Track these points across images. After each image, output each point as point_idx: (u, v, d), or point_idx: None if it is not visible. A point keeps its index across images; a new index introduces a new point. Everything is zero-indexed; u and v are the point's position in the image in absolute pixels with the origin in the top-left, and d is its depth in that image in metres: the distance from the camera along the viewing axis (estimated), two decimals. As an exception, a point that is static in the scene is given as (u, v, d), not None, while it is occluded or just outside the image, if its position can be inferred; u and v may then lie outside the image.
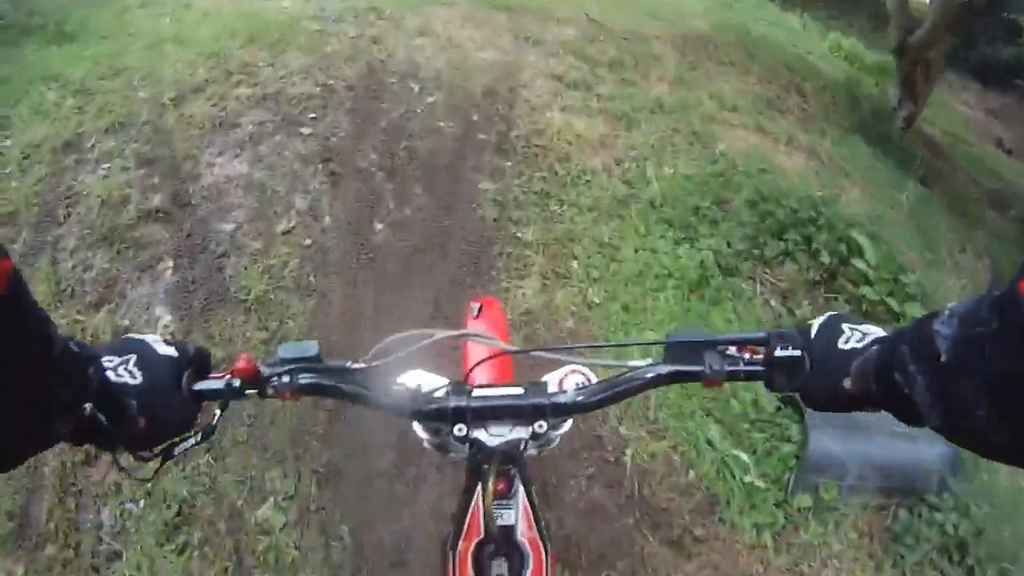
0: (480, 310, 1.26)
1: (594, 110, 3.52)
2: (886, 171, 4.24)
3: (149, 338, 0.57)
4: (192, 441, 0.58)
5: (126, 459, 0.53)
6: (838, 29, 8.58)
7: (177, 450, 0.57)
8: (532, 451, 0.68)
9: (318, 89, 3.24)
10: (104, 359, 0.53)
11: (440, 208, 2.66)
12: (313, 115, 3.07)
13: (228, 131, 2.92)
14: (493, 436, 0.63)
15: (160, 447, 0.56)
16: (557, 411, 0.62)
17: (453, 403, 0.61)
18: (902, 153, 4.63)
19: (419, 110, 3.22)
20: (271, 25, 3.85)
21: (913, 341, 0.43)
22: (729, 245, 2.58)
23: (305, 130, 2.97)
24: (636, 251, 2.55)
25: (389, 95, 3.30)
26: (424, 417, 0.62)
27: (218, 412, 0.60)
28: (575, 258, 2.49)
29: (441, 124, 3.15)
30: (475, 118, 3.23)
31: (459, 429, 0.61)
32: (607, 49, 4.34)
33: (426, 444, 0.72)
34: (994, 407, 0.37)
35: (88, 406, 0.47)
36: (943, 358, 0.40)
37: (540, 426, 0.61)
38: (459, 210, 2.66)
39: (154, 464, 0.58)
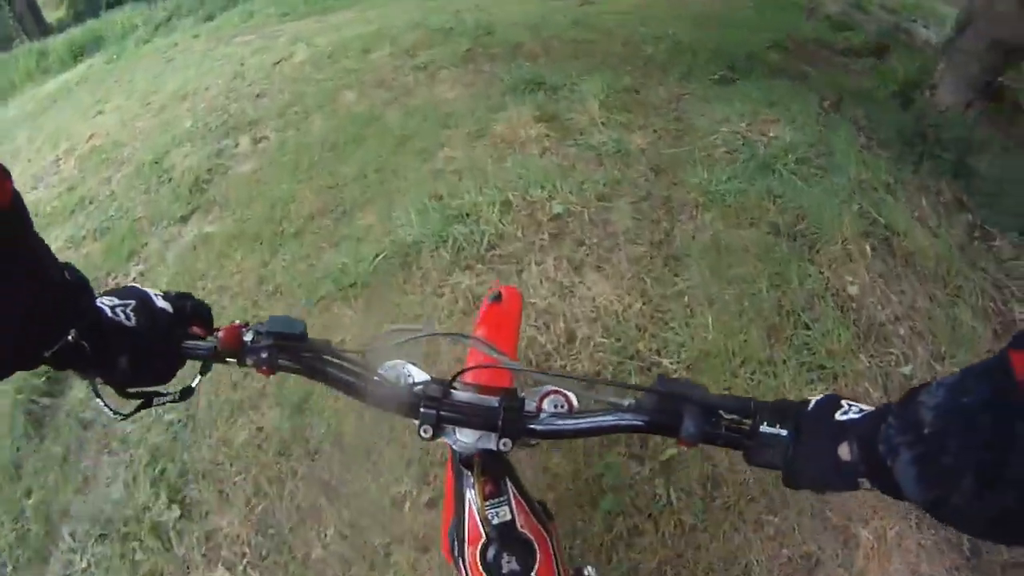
0: (498, 298, 1.19)
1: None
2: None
3: (151, 291, 0.60)
4: (171, 398, 0.61)
5: (105, 391, 0.56)
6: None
7: (156, 401, 0.61)
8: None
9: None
10: (105, 297, 0.56)
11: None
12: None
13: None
14: (460, 442, 0.61)
15: (138, 390, 0.59)
16: (522, 433, 0.60)
17: (423, 403, 0.59)
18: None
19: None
20: None
21: (899, 412, 0.41)
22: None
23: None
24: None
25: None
26: (392, 410, 0.61)
27: (199, 376, 0.62)
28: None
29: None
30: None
31: (424, 431, 0.59)
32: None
33: (420, 435, 0.71)
34: (979, 478, 0.36)
35: (73, 332, 0.49)
36: (927, 429, 0.38)
37: (505, 443, 0.59)
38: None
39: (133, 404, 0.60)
